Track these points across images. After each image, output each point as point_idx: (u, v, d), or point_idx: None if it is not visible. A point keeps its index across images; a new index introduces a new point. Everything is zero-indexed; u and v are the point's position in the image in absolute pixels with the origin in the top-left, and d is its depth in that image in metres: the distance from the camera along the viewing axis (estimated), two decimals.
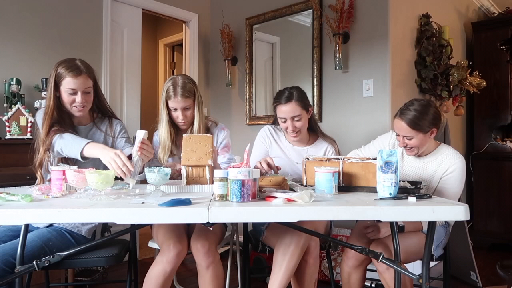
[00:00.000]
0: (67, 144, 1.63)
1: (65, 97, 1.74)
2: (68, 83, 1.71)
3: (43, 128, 1.70)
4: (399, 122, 1.76)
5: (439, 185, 1.82)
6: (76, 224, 1.68)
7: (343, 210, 1.17)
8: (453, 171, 1.79)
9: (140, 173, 1.60)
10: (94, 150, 1.58)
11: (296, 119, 1.97)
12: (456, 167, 1.79)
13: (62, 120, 1.74)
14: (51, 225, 1.66)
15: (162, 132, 1.99)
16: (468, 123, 3.97)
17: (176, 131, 2.02)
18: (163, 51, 5.21)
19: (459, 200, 1.87)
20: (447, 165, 1.80)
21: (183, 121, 1.95)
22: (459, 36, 3.72)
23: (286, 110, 1.96)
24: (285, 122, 1.99)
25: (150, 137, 2.11)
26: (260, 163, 1.75)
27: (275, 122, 2.17)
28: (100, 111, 1.93)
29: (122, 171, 1.46)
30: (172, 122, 1.99)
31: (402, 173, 1.88)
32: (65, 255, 1.35)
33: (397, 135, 1.82)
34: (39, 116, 1.76)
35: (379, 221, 1.79)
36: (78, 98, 1.74)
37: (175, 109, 1.93)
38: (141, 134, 1.54)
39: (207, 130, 2.03)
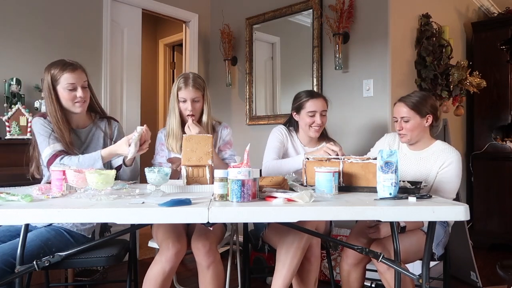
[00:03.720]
0: (83, 165, 1.64)
1: (65, 95, 1.74)
2: (66, 79, 1.71)
3: (45, 147, 1.69)
4: (399, 104, 1.90)
5: (436, 180, 1.84)
6: (75, 223, 1.68)
7: (343, 210, 1.17)
8: (449, 165, 1.81)
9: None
10: (107, 152, 1.67)
11: (323, 113, 2.13)
12: (452, 160, 1.82)
13: (61, 131, 1.72)
14: (50, 224, 1.66)
15: (173, 123, 2.02)
16: (468, 123, 3.97)
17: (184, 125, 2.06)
18: (163, 51, 5.21)
19: (459, 200, 1.87)
20: (443, 159, 1.83)
21: (191, 113, 1.98)
22: (459, 36, 3.72)
23: (317, 103, 2.11)
24: (313, 116, 2.11)
25: (154, 135, 2.13)
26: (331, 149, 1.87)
27: (286, 124, 2.28)
28: (98, 112, 1.94)
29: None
30: (181, 117, 2.03)
31: (399, 169, 1.89)
32: (65, 255, 1.35)
33: (396, 121, 1.91)
34: (38, 126, 1.74)
35: (379, 221, 1.79)
36: (79, 92, 1.74)
37: (185, 101, 1.98)
38: (140, 129, 1.63)
39: (212, 128, 2.08)
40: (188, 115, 1.98)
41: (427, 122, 1.88)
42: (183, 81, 1.97)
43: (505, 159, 3.64)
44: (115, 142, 1.90)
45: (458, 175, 1.83)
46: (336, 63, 2.82)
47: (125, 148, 1.62)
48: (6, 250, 1.44)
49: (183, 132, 1.98)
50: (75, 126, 1.84)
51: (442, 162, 1.83)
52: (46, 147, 1.69)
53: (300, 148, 2.19)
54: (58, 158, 1.66)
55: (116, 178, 1.75)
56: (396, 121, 1.91)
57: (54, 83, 1.73)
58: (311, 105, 2.11)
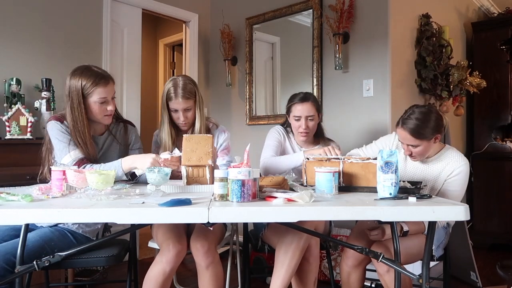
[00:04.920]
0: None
1: (96, 108, 1.71)
2: (99, 93, 1.69)
3: (65, 155, 1.66)
4: (402, 131, 1.74)
5: (442, 187, 1.82)
6: (80, 225, 1.68)
7: (343, 210, 1.18)
8: (458, 174, 1.79)
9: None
10: (129, 163, 1.64)
11: (310, 118, 2.11)
12: (461, 170, 1.79)
13: (84, 143, 1.69)
14: (56, 225, 1.65)
15: (164, 133, 1.98)
16: (468, 123, 3.97)
17: (177, 132, 2.02)
18: (163, 51, 5.21)
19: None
20: (452, 167, 1.80)
21: (183, 122, 1.95)
22: (459, 36, 3.72)
23: (302, 108, 2.09)
24: (298, 120, 2.11)
25: (150, 138, 2.12)
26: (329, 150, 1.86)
27: (284, 125, 2.28)
28: (114, 116, 1.89)
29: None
30: (173, 123, 1.99)
31: (406, 175, 1.88)
32: (65, 255, 1.35)
33: (402, 143, 1.80)
34: (55, 132, 1.70)
35: (379, 222, 1.78)
36: (110, 106, 1.74)
37: (176, 111, 1.93)
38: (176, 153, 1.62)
39: (208, 131, 2.03)
40: (180, 124, 1.96)
41: (435, 141, 1.78)
42: (173, 90, 1.89)
43: (505, 159, 3.64)
44: (131, 147, 1.90)
45: (465, 184, 1.81)
46: (336, 63, 2.82)
47: (145, 163, 1.58)
48: (8, 249, 1.44)
49: (174, 140, 1.96)
50: (93, 132, 1.81)
51: (451, 170, 1.79)
52: (66, 155, 1.66)
53: (297, 148, 2.20)
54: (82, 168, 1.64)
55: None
56: (402, 142, 1.80)
57: (85, 95, 1.69)
58: (296, 109, 2.09)
